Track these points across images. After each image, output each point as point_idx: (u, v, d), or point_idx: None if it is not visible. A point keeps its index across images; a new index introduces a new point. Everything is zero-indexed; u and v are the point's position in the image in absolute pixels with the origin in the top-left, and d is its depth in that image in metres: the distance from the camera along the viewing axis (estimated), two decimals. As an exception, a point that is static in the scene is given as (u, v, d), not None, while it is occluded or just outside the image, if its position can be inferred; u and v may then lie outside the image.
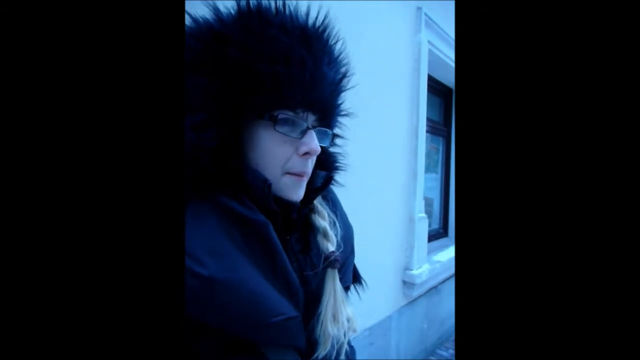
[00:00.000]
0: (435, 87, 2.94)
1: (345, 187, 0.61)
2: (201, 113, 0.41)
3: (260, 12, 0.43)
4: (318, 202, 0.55)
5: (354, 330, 0.51)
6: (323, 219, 0.54)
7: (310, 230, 0.53)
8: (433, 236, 3.09)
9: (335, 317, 0.48)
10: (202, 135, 0.40)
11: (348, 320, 0.50)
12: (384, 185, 2.00)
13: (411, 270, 2.24)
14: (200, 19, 0.45)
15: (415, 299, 2.41)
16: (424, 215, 2.40)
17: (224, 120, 0.42)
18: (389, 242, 2.11)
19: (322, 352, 0.48)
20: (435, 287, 2.70)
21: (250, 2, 0.44)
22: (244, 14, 0.43)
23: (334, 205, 0.59)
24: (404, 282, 2.25)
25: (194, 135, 0.40)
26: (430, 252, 2.69)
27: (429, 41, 2.34)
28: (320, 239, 0.52)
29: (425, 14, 2.27)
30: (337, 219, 0.56)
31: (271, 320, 0.41)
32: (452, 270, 2.83)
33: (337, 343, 0.48)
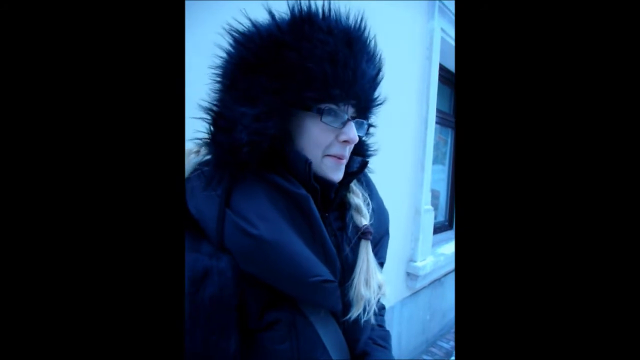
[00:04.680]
0: (446, 77, 2.88)
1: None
2: (261, 106, 0.48)
3: (311, 18, 0.49)
4: (353, 184, 0.62)
5: (384, 294, 0.57)
6: (357, 198, 0.60)
7: (347, 210, 0.59)
8: (438, 229, 3.07)
9: (367, 282, 0.54)
10: (263, 125, 0.48)
11: (379, 287, 0.56)
12: (390, 176, 1.98)
13: (415, 262, 2.24)
14: (260, 24, 0.50)
15: (418, 291, 2.41)
16: (430, 207, 2.38)
17: (279, 112, 0.49)
18: (394, 233, 2.08)
19: (355, 313, 0.53)
20: (438, 280, 2.70)
21: (302, 8, 0.50)
22: (297, 20, 0.49)
23: (368, 188, 0.65)
24: (408, 274, 2.24)
25: (257, 125, 0.47)
26: (435, 244, 2.68)
27: (442, 29, 2.28)
28: (354, 214, 0.58)
29: (440, 1, 2.21)
30: (370, 199, 0.62)
31: (309, 280, 0.47)
32: (456, 263, 2.82)
33: (368, 305, 0.54)
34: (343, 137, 0.52)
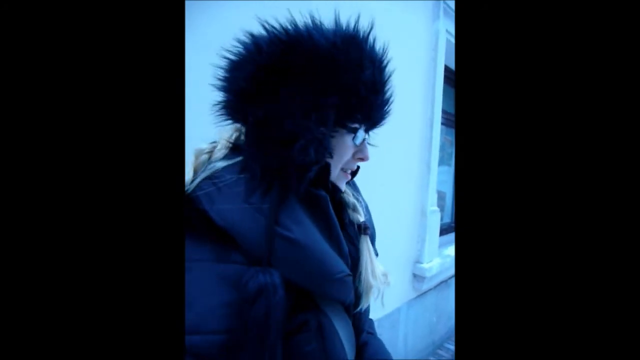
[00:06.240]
0: (452, 78, 2.86)
1: (357, 178, 0.69)
2: (324, 122, 0.48)
3: (357, 42, 0.49)
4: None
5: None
6: (350, 197, 0.65)
7: (343, 209, 0.63)
8: (445, 230, 3.05)
9: (373, 272, 0.59)
10: (328, 141, 0.49)
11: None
12: (396, 177, 1.97)
13: (421, 263, 2.23)
14: (307, 31, 0.47)
15: (425, 292, 2.40)
16: (436, 208, 2.36)
17: (333, 129, 0.51)
18: (400, 235, 2.09)
19: (365, 303, 0.58)
20: (445, 281, 2.68)
21: (349, 28, 0.49)
22: (347, 40, 0.48)
23: (355, 190, 0.70)
24: (414, 275, 2.23)
25: (326, 142, 0.49)
26: (441, 245, 2.66)
27: (447, 30, 2.28)
28: (350, 212, 0.63)
29: (444, 2, 2.21)
30: (359, 199, 0.67)
31: (336, 276, 0.50)
32: (464, 265, 2.79)
33: (376, 293, 0.59)
34: (360, 155, 0.57)
